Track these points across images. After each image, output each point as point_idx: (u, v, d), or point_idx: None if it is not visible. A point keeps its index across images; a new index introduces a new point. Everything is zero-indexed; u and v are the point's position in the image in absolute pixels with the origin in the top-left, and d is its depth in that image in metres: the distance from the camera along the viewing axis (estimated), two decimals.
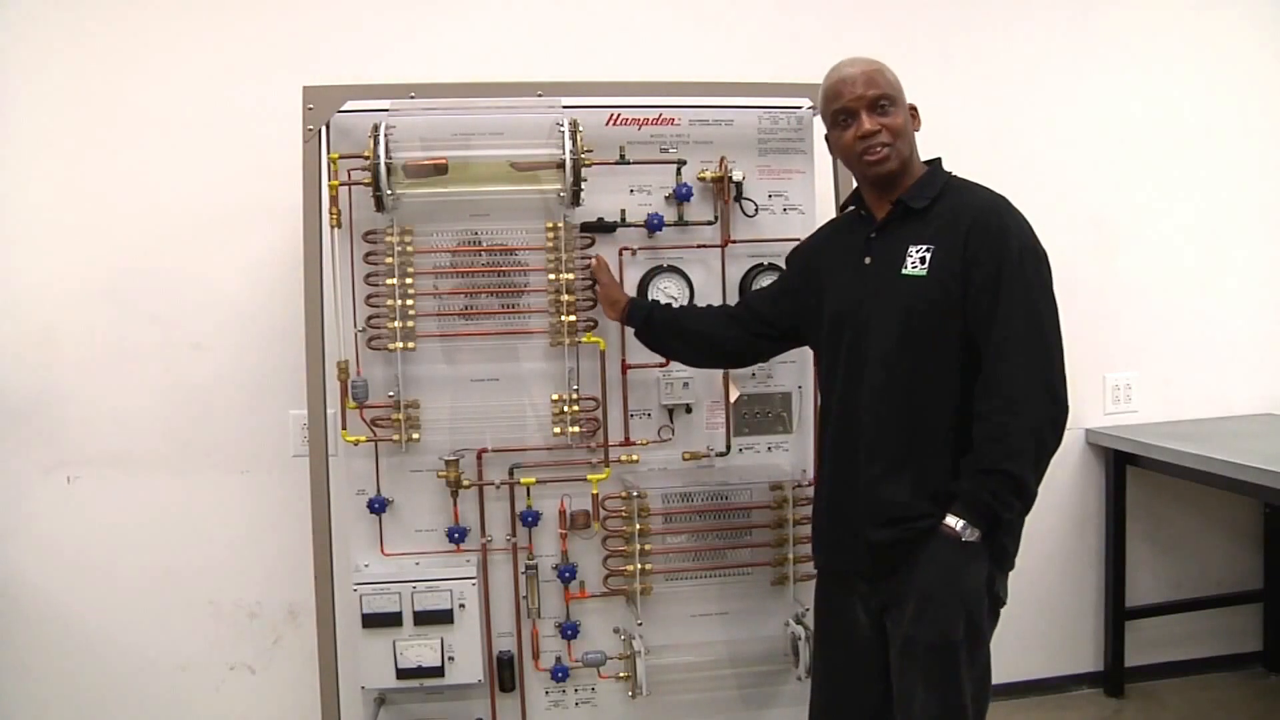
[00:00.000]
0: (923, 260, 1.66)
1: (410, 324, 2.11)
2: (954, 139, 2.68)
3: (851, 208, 1.85)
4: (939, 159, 1.79)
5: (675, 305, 2.15)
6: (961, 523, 1.59)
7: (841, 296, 1.78)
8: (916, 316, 1.65)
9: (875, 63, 1.73)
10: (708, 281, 2.23)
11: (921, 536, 1.63)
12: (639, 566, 2.18)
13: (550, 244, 2.14)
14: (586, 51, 2.59)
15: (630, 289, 2.20)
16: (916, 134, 1.77)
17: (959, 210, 1.66)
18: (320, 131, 2.06)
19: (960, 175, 1.78)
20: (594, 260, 2.14)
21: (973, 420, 1.62)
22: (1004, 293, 1.59)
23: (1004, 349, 1.58)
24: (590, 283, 2.15)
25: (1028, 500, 1.59)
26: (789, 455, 2.30)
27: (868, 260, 1.75)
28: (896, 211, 1.72)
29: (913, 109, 1.76)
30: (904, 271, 1.67)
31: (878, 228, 1.75)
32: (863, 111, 1.69)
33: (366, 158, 1.99)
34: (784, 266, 2.12)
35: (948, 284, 1.63)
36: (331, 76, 2.19)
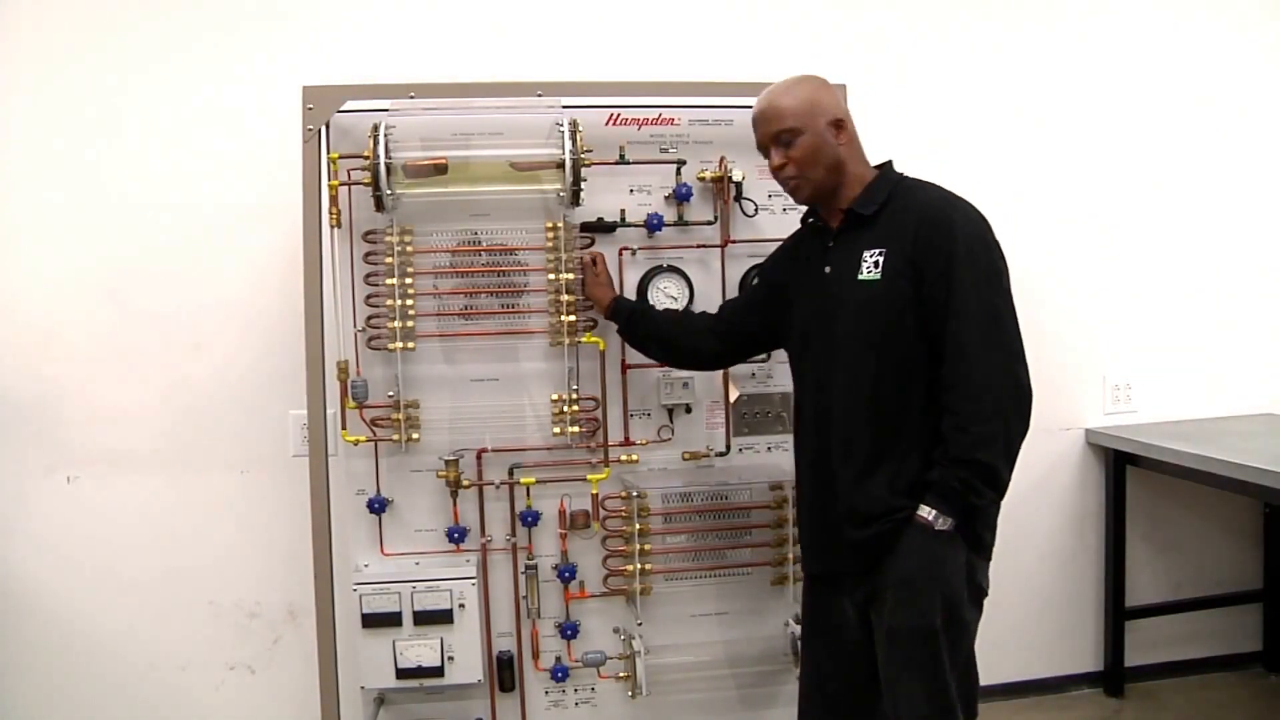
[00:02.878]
0: (876, 264, 1.70)
1: (410, 324, 2.11)
2: (956, 138, 2.72)
3: (811, 220, 1.90)
4: (889, 162, 1.82)
5: (659, 309, 2.16)
6: (934, 512, 1.61)
7: (807, 306, 1.83)
8: (875, 319, 1.69)
9: (777, 95, 1.76)
10: (707, 281, 2.23)
11: (899, 528, 1.66)
12: (639, 566, 2.18)
13: (550, 244, 2.14)
14: (586, 51, 2.59)
15: (630, 289, 2.20)
16: (851, 142, 1.77)
17: (907, 211, 1.71)
18: (320, 131, 2.06)
19: (913, 176, 1.80)
20: (588, 255, 2.15)
21: (941, 413, 1.64)
22: (955, 286, 1.62)
23: (961, 341, 1.61)
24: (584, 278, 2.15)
25: (999, 487, 1.62)
26: (789, 455, 2.29)
27: (828, 269, 1.80)
28: (849, 220, 1.77)
29: (838, 121, 1.75)
30: (860, 277, 1.72)
31: (834, 236, 1.80)
32: (770, 148, 1.78)
33: (366, 158, 1.99)
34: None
35: (900, 284, 1.67)
36: (331, 76, 2.19)
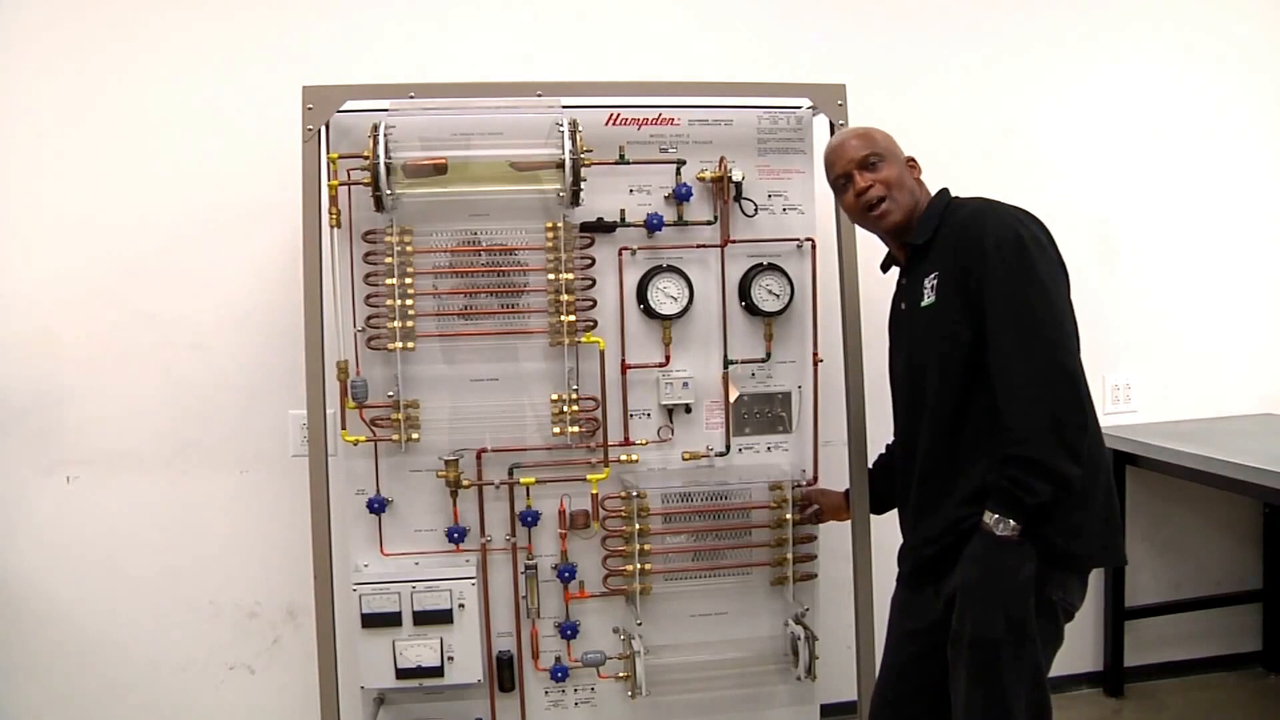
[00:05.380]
0: (932, 289, 1.73)
1: (410, 324, 2.11)
2: (955, 139, 2.72)
3: (886, 265, 1.98)
4: (944, 190, 1.85)
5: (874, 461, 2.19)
6: (994, 517, 1.59)
7: (897, 348, 1.91)
8: (938, 341, 1.72)
9: (865, 127, 1.87)
10: (707, 281, 2.23)
11: (965, 536, 1.66)
12: (638, 566, 2.18)
13: (550, 244, 2.14)
14: (586, 51, 2.59)
15: (630, 289, 2.20)
16: (921, 178, 1.87)
17: (950, 231, 1.74)
18: (320, 131, 2.06)
19: (966, 194, 1.83)
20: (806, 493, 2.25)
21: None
22: (987, 289, 1.63)
23: (999, 343, 1.61)
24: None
25: (1056, 480, 1.55)
26: (788, 455, 2.30)
27: (903, 306, 1.86)
28: (911, 253, 1.83)
29: (911, 160, 1.87)
30: (922, 304, 1.76)
31: (904, 274, 1.87)
32: (855, 172, 1.82)
33: (366, 157, 1.99)
34: (783, 268, 2.23)
35: (951, 300, 1.69)
36: (331, 76, 2.19)
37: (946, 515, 1.72)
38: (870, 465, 2.17)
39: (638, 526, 2.17)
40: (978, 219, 1.69)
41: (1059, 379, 1.57)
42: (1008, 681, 1.62)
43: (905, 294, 1.86)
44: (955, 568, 1.67)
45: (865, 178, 1.80)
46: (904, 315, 1.87)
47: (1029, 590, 1.60)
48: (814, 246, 2.25)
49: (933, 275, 1.74)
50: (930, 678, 1.76)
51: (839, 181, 1.86)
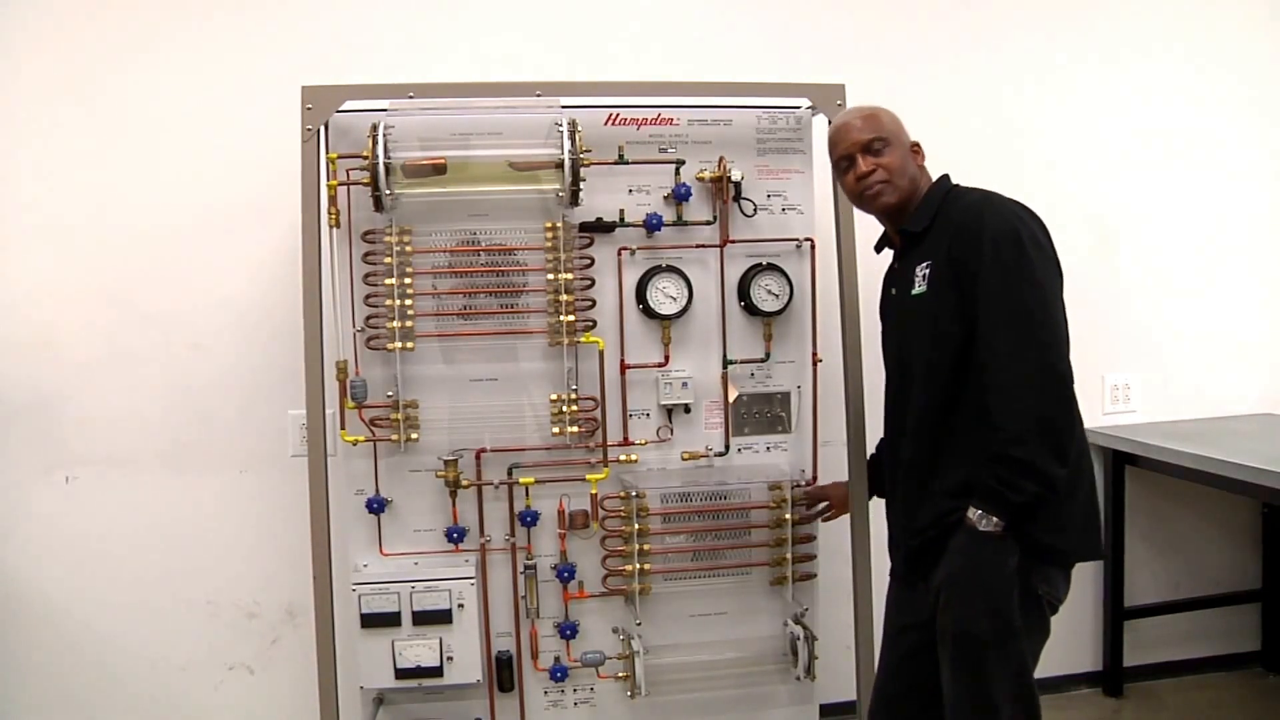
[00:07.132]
0: (924, 278, 1.74)
1: (409, 324, 2.11)
2: (954, 140, 2.70)
3: (880, 248, 1.98)
4: (944, 176, 1.85)
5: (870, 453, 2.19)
6: (978, 513, 1.61)
7: (886, 333, 1.92)
8: (928, 333, 1.72)
9: (871, 108, 1.86)
10: (706, 281, 2.23)
11: (949, 531, 1.67)
12: (638, 566, 2.18)
13: (549, 244, 2.15)
14: (586, 51, 2.59)
15: (629, 289, 2.20)
16: (924, 163, 1.86)
17: (948, 221, 1.74)
18: (319, 131, 2.06)
19: (966, 184, 1.83)
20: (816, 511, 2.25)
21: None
22: (982, 286, 1.63)
23: (992, 341, 1.62)
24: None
25: (1042, 481, 1.58)
26: (788, 455, 2.30)
27: (893, 291, 1.86)
28: (905, 239, 1.83)
29: (915, 145, 1.86)
30: (912, 292, 1.76)
31: (897, 258, 1.87)
32: (858, 155, 1.81)
33: (365, 157, 1.99)
34: (782, 268, 2.23)
35: (944, 293, 1.69)
36: (331, 76, 2.19)
37: (932, 507, 1.72)
38: (869, 457, 2.17)
39: (637, 526, 2.17)
40: (976, 213, 1.69)
41: (1051, 381, 1.60)
42: (992, 674, 1.63)
43: (896, 279, 1.87)
44: (934, 565, 1.69)
45: (868, 162, 1.80)
46: (894, 300, 1.87)
47: (1013, 583, 1.62)
48: (813, 246, 2.25)
49: (925, 264, 1.74)
50: (926, 673, 1.77)
51: (841, 163, 1.86)
